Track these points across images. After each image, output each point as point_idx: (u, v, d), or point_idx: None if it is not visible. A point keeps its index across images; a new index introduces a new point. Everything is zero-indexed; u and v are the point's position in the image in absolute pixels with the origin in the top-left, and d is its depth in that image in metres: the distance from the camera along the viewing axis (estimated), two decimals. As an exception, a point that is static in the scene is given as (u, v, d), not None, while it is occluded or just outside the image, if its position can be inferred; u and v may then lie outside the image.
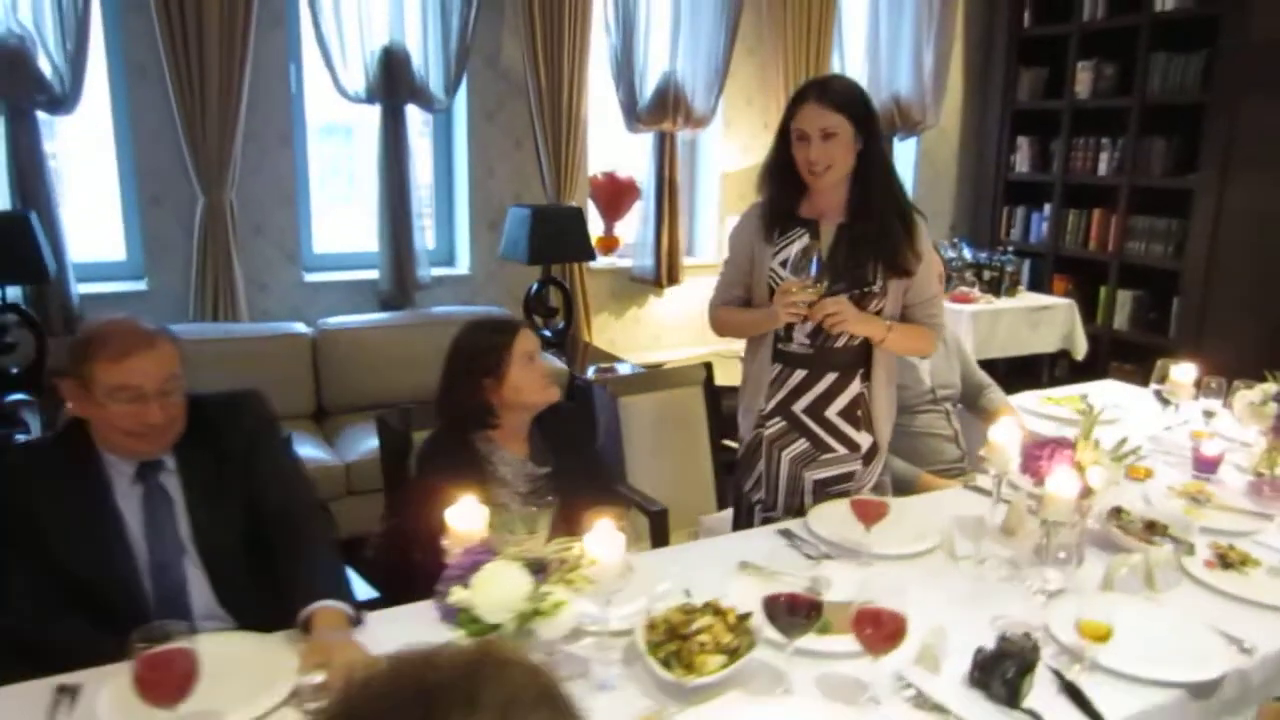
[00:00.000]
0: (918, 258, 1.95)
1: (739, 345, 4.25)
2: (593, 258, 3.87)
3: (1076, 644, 1.38)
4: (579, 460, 1.88)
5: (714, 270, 4.50)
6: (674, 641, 1.31)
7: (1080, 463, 1.70)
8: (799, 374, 2.04)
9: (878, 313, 1.97)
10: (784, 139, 1.93)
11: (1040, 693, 1.30)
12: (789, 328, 2.01)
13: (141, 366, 1.44)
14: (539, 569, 1.15)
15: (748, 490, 2.15)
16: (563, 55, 3.86)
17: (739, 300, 2.11)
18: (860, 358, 2.04)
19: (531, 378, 1.76)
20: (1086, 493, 1.68)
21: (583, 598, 1.19)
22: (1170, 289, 4.51)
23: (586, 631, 1.33)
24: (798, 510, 2.07)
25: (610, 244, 4.44)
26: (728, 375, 2.77)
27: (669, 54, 4.17)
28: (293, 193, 3.68)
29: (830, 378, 2.03)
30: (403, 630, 1.44)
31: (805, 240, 1.97)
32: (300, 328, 3.49)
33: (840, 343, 2.00)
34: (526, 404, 1.78)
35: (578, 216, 3.76)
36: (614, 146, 4.43)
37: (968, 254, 4.63)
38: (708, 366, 2.63)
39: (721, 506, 2.53)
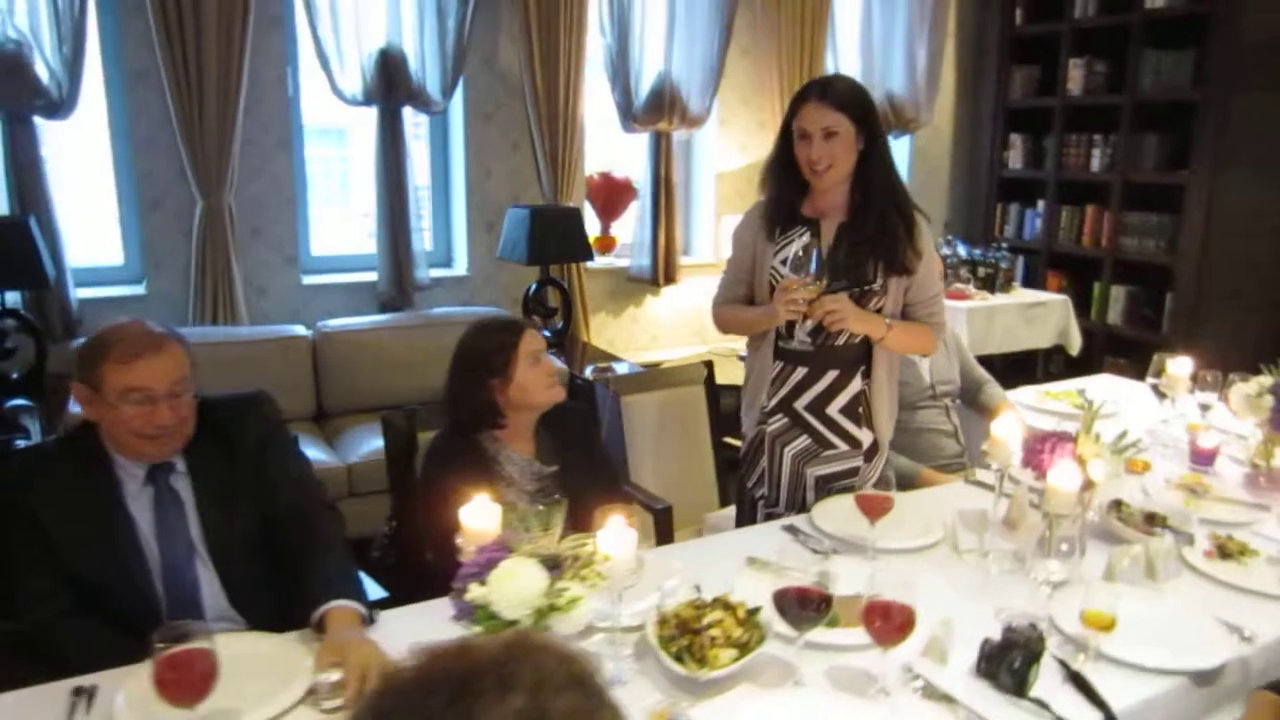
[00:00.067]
0: (918, 256, 1.97)
1: (737, 344, 4.31)
2: (591, 258, 3.89)
3: (1081, 634, 1.40)
4: (585, 459, 1.90)
5: (710, 270, 4.58)
6: (685, 636, 1.32)
7: (1081, 456, 1.72)
8: (800, 371, 2.06)
9: (878, 311, 1.99)
10: (786, 138, 1.95)
11: (1046, 682, 1.32)
12: (790, 326, 2.02)
13: (151, 368, 1.45)
14: (554, 565, 1.17)
15: (751, 487, 2.17)
16: (559, 56, 3.87)
17: (741, 298, 2.12)
18: (861, 355, 2.05)
19: (537, 377, 1.77)
20: (1088, 485, 1.70)
21: (596, 594, 1.21)
22: (1163, 284, 4.54)
23: (598, 628, 1.35)
24: (800, 506, 2.09)
25: (607, 244, 4.46)
26: (726, 374, 2.79)
27: (664, 54, 4.19)
28: (291, 195, 3.69)
29: (831, 375, 2.04)
30: (414, 628, 1.45)
31: (806, 239, 1.98)
32: (300, 330, 3.49)
33: (841, 340, 2.02)
34: (533, 403, 1.79)
35: (576, 217, 3.77)
36: (610, 147, 4.44)
37: (962, 251, 4.65)
38: (709, 365, 2.64)
39: (724, 504, 2.55)
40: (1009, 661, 1.31)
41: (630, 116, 4.17)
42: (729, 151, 4.63)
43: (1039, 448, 1.76)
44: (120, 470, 1.52)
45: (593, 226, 4.29)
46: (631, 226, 4.45)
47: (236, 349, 3.26)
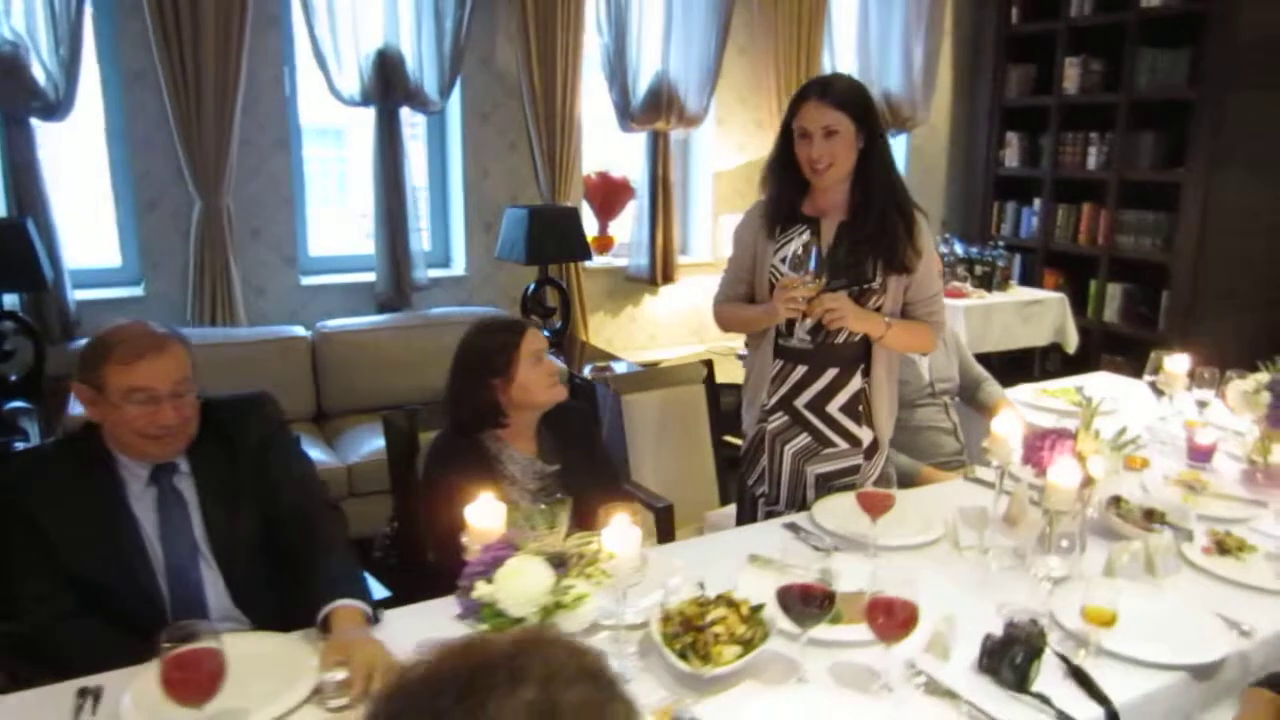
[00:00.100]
0: (918, 255, 1.98)
1: (735, 343, 4.32)
2: (589, 257, 3.89)
3: (1082, 629, 1.41)
4: (586, 458, 1.90)
5: (708, 269, 4.59)
6: (689, 633, 1.33)
7: (1081, 452, 1.73)
8: (800, 370, 2.06)
9: (877, 309, 2.00)
10: (786, 137, 1.96)
11: (1047, 677, 1.33)
12: (790, 324, 2.03)
13: (154, 368, 1.46)
14: (560, 563, 1.17)
15: (751, 485, 2.18)
16: (556, 56, 3.88)
17: (742, 297, 2.13)
18: (861, 354, 2.06)
19: (539, 377, 1.78)
20: (1088, 482, 1.71)
21: (601, 591, 1.21)
22: (1159, 282, 4.56)
23: (603, 625, 1.35)
24: (801, 504, 2.10)
25: (605, 243, 4.46)
26: (724, 373, 2.79)
27: (661, 54, 4.20)
28: (289, 196, 3.68)
29: (831, 373, 2.05)
30: (419, 627, 1.46)
31: (806, 237, 1.99)
32: (299, 330, 3.50)
33: (840, 339, 2.03)
34: (535, 403, 1.80)
35: (574, 216, 3.77)
36: (608, 146, 4.45)
37: (959, 249, 4.67)
38: (708, 364, 2.65)
39: (724, 502, 2.56)
40: (1011, 657, 1.32)
41: (628, 116, 4.18)
42: (726, 151, 4.64)
43: (1039, 444, 1.77)
44: (123, 471, 1.52)
45: (590, 226, 4.30)
46: (629, 226, 4.46)
47: (235, 350, 3.26)
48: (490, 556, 1.18)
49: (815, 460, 2.10)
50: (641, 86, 4.18)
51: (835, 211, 2.00)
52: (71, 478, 1.50)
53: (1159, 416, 2.50)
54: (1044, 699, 1.29)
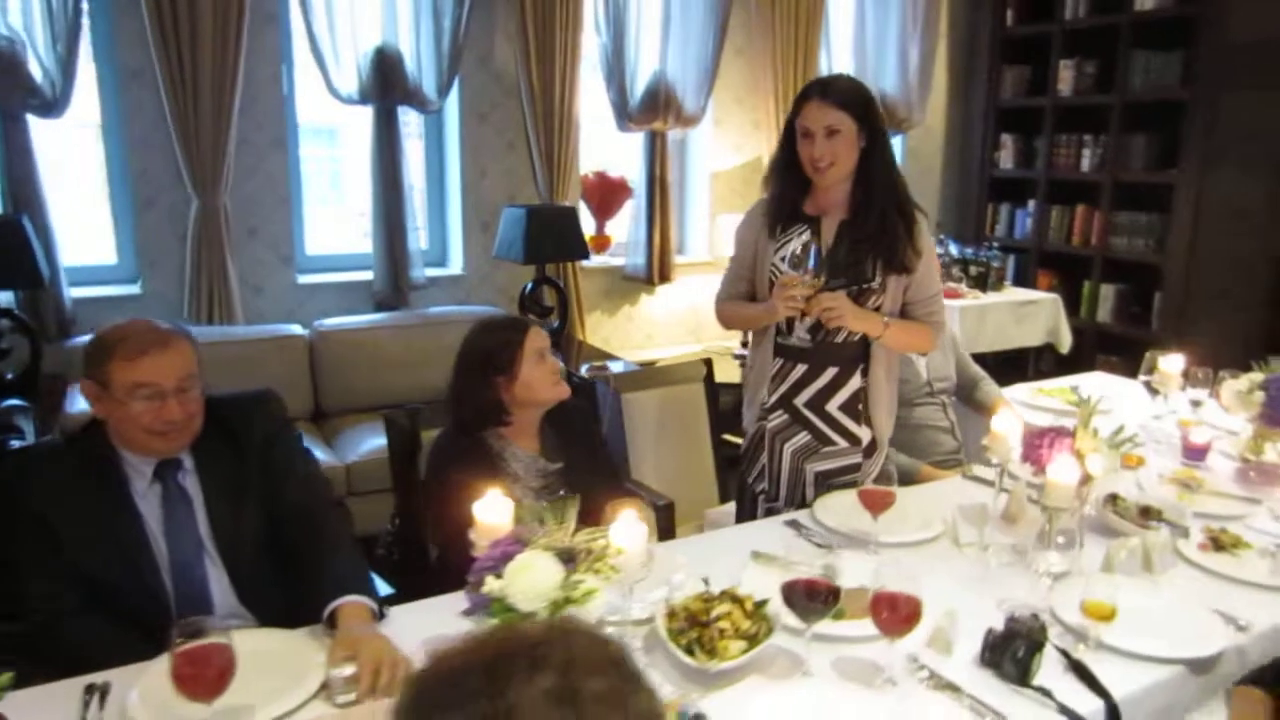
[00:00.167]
0: (917, 255, 1.99)
1: (731, 342, 4.33)
2: (587, 256, 3.89)
3: (1081, 624, 1.42)
4: (588, 455, 1.91)
5: (705, 269, 4.61)
6: (695, 629, 1.34)
7: (1080, 450, 1.75)
8: (800, 368, 2.08)
9: (876, 309, 2.01)
10: (789, 137, 1.97)
11: (1048, 671, 1.35)
12: (790, 322, 2.05)
13: (158, 364, 1.46)
14: (568, 559, 1.18)
15: (751, 482, 2.19)
16: (554, 56, 3.88)
17: (743, 295, 2.14)
18: (860, 353, 2.07)
19: (543, 375, 1.78)
20: (1086, 479, 1.73)
21: (608, 586, 1.22)
22: (1152, 282, 4.60)
23: (609, 621, 1.36)
24: (800, 502, 2.11)
25: (602, 243, 4.47)
26: (720, 372, 2.80)
27: (659, 54, 4.21)
28: (286, 195, 3.68)
29: (831, 372, 2.06)
30: (424, 624, 1.46)
31: (806, 236, 2.01)
32: (297, 329, 3.50)
33: (840, 338, 2.04)
34: (538, 401, 1.80)
35: (572, 216, 3.78)
36: (605, 146, 4.46)
37: (954, 250, 4.70)
38: (708, 363, 2.66)
39: (724, 500, 2.57)
40: (1012, 651, 1.33)
41: (625, 116, 4.19)
42: (723, 151, 4.65)
43: (1038, 443, 1.78)
44: (128, 468, 1.52)
45: (588, 226, 4.31)
46: (626, 226, 4.47)
47: (233, 349, 3.26)
48: (499, 552, 1.19)
49: (815, 458, 2.11)
50: (639, 86, 4.19)
51: (836, 211, 2.01)
52: (76, 475, 1.50)
53: (1154, 415, 2.53)
54: (1045, 692, 1.30)
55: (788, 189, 2.01)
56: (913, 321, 2.06)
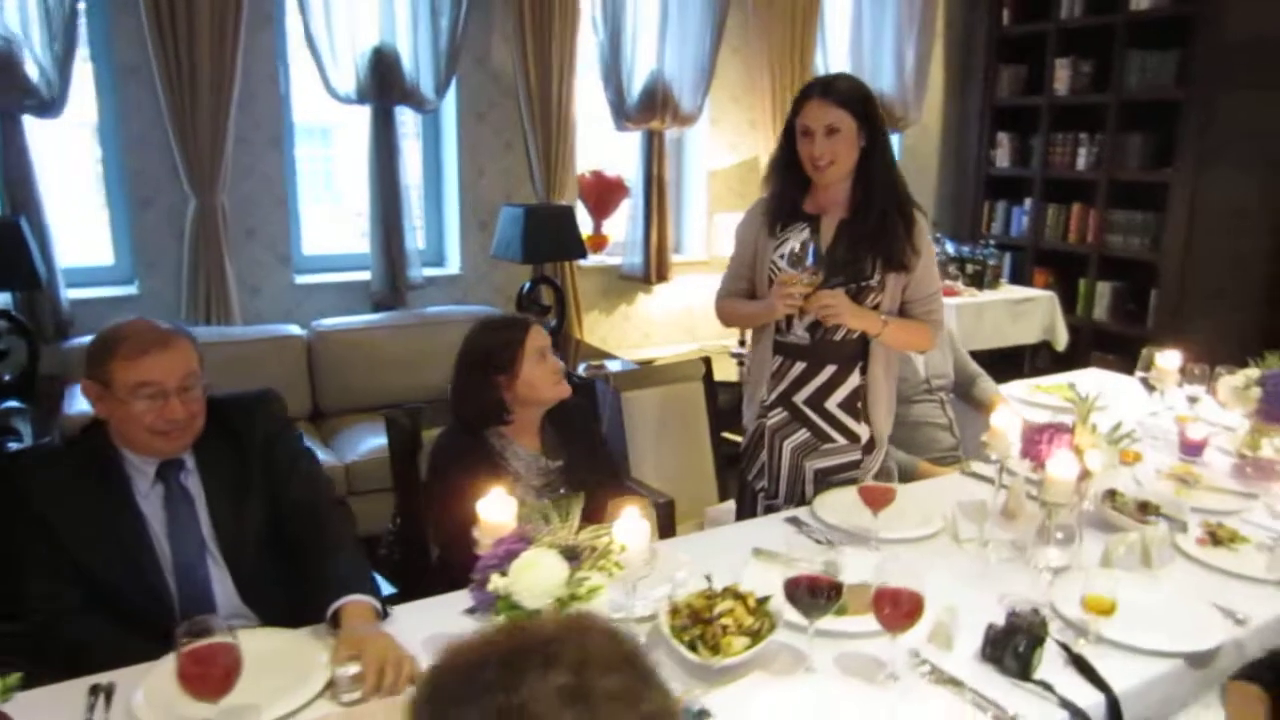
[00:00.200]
0: (916, 253, 2.00)
1: (728, 341, 4.34)
2: (584, 256, 3.90)
3: (1081, 618, 1.43)
4: (589, 454, 1.92)
5: (702, 268, 4.61)
6: (698, 625, 1.35)
7: (1079, 446, 1.76)
8: (799, 366, 2.08)
9: (875, 307, 2.02)
10: (789, 135, 1.98)
11: (1049, 665, 1.36)
12: (789, 320, 2.05)
13: (160, 363, 1.46)
14: (572, 556, 1.19)
15: (751, 479, 2.20)
16: (551, 55, 3.89)
17: (744, 292, 2.15)
18: (859, 351, 2.08)
19: (544, 373, 1.79)
20: (1085, 475, 1.74)
21: (612, 583, 1.23)
22: (1148, 280, 4.62)
23: (612, 618, 1.36)
24: (800, 499, 2.12)
25: (599, 242, 4.48)
26: (718, 370, 2.80)
27: (656, 53, 4.21)
28: (283, 195, 3.68)
29: (830, 370, 2.07)
30: (427, 622, 1.47)
31: (805, 234, 2.01)
32: (294, 329, 3.49)
33: (838, 336, 2.05)
34: (539, 399, 1.81)
35: (569, 215, 3.78)
36: (602, 145, 4.46)
37: (950, 248, 4.71)
38: (707, 361, 2.67)
39: (723, 498, 2.58)
40: (1014, 645, 1.34)
41: (623, 115, 4.19)
42: (720, 150, 4.66)
43: (1037, 438, 1.79)
44: (130, 468, 1.53)
45: (584, 225, 4.31)
46: (623, 225, 4.47)
47: (231, 349, 3.25)
48: (504, 550, 1.19)
49: (814, 455, 2.12)
50: (636, 86, 4.19)
51: (836, 209, 2.02)
52: (78, 476, 1.50)
53: (1150, 412, 2.54)
54: (1046, 686, 1.31)
55: (787, 187, 2.02)
56: (911, 320, 2.07)
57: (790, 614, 1.36)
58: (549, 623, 0.67)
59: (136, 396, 1.44)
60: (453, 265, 4.14)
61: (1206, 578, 1.68)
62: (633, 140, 4.33)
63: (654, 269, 4.40)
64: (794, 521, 1.90)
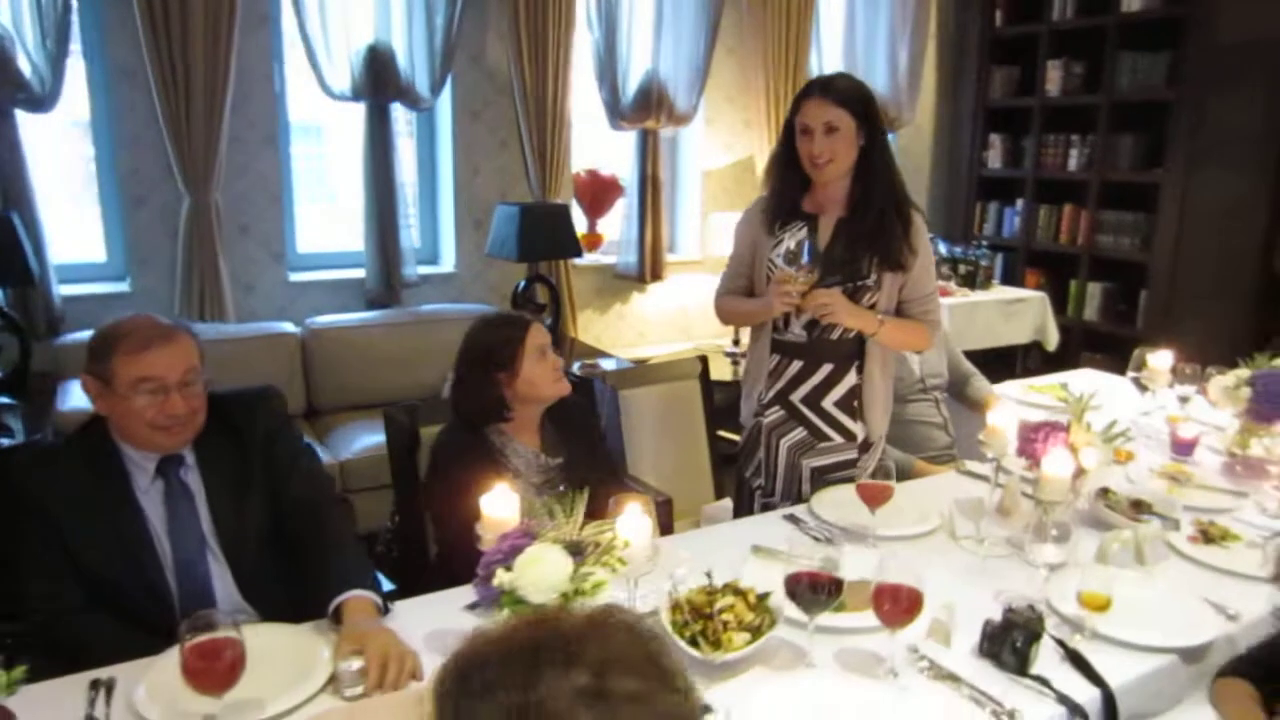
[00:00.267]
0: (913, 253, 2.01)
1: (723, 340, 4.35)
2: (580, 254, 3.91)
3: (1077, 614, 1.45)
4: (589, 451, 1.92)
5: (697, 267, 4.62)
6: (699, 621, 1.36)
7: (1074, 444, 1.78)
8: (796, 365, 2.10)
9: (871, 306, 2.03)
10: (789, 134, 1.99)
11: (1045, 660, 1.37)
12: (786, 318, 2.07)
13: (162, 359, 1.46)
14: (576, 552, 1.19)
15: (748, 477, 2.21)
16: (547, 54, 3.89)
17: (742, 290, 2.16)
18: (855, 350, 2.09)
19: (544, 371, 1.79)
20: (1079, 473, 1.76)
21: (614, 579, 1.24)
22: (1138, 281, 4.65)
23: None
24: (796, 497, 2.13)
25: (594, 241, 4.48)
26: (712, 369, 2.81)
27: (652, 52, 4.22)
28: (278, 192, 3.67)
29: (827, 369, 2.08)
30: (428, 618, 1.48)
31: (803, 233, 2.03)
32: (289, 327, 3.49)
33: (835, 335, 2.06)
34: (539, 397, 1.81)
35: (565, 214, 3.78)
36: (597, 144, 4.46)
37: (943, 249, 4.74)
38: (703, 360, 2.68)
39: (719, 496, 2.59)
40: (1011, 641, 1.36)
41: (618, 114, 4.20)
42: (715, 150, 4.67)
43: (1032, 437, 1.81)
44: (130, 464, 1.52)
45: (579, 224, 4.31)
46: (618, 224, 4.48)
47: (225, 347, 3.24)
48: (508, 545, 1.20)
49: (810, 454, 2.13)
50: (631, 85, 4.20)
51: (834, 208, 2.03)
52: (78, 472, 1.50)
53: (1142, 411, 2.56)
54: (1043, 681, 1.33)
55: (787, 186, 2.03)
56: (908, 320, 2.08)
57: (790, 610, 1.37)
58: (573, 617, 0.67)
59: (138, 392, 1.44)
60: (447, 263, 4.14)
61: (1199, 574, 1.70)
62: (628, 139, 4.34)
63: (648, 268, 4.40)
64: (791, 519, 1.91)
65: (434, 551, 1.93)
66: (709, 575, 1.45)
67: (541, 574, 1.12)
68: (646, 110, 4.22)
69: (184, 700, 1.17)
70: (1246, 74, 4.19)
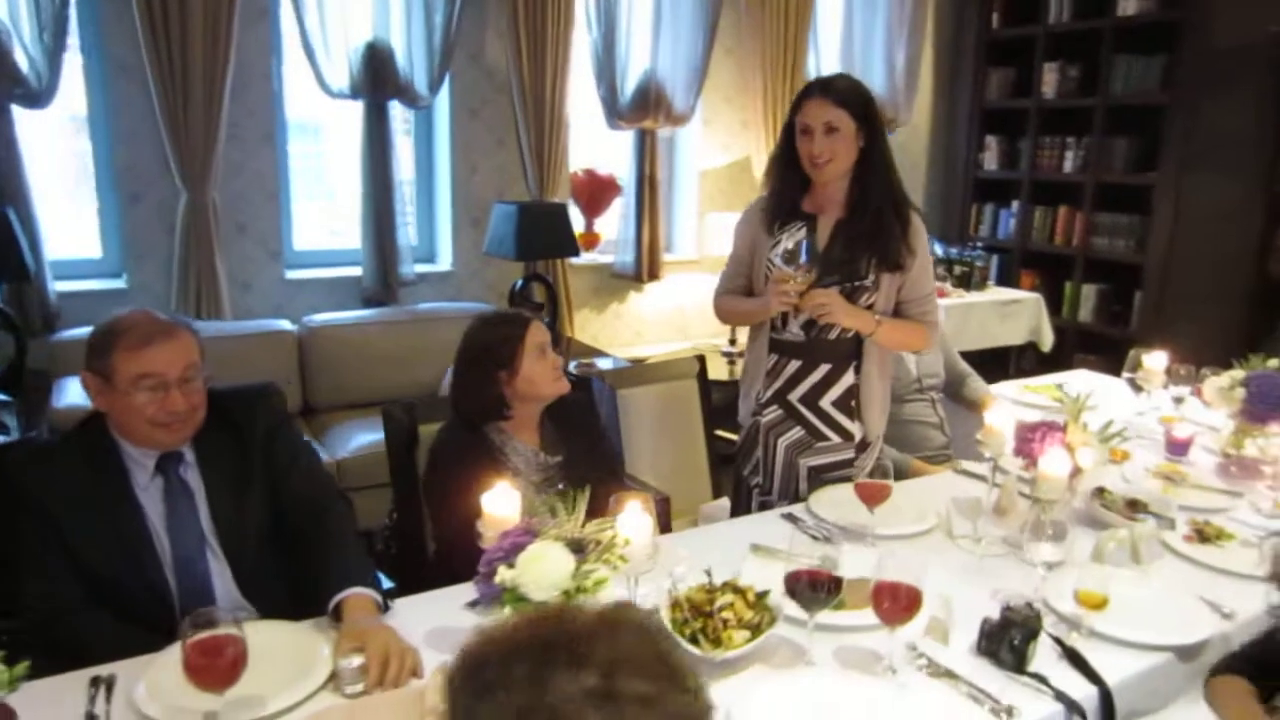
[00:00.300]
0: (911, 254, 2.02)
1: (719, 340, 4.36)
2: (577, 253, 3.91)
3: (1074, 613, 1.46)
4: (588, 449, 1.93)
5: (693, 267, 4.63)
6: (699, 619, 1.36)
7: (1070, 444, 1.79)
8: (794, 364, 2.11)
9: (869, 307, 2.04)
10: (789, 135, 2.00)
11: (1042, 658, 1.38)
12: (784, 318, 2.07)
13: (163, 355, 1.46)
14: (578, 549, 1.20)
15: (746, 475, 2.22)
16: (545, 53, 3.89)
17: (741, 290, 2.17)
18: (853, 350, 2.10)
19: (544, 369, 1.80)
20: (1076, 472, 1.77)
21: (615, 577, 1.24)
22: (1132, 282, 4.68)
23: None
24: (794, 496, 2.14)
25: (591, 240, 4.48)
26: (709, 369, 2.82)
27: (650, 52, 4.22)
28: (275, 190, 3.66)
29: (824, 368, 2.09)
30: (428, 616, 1.48)
31: (802, 233, 2.03)
32: (286, 325, 3.48)
33: (833, 334, 2.07)
34: (539, 395, 1.82)
35: (562, 213, 3.79)
36: (595, 144, 4.46)
37: (938, 249, 4.75)
38: (701, 359, 2.69)
39: (717, 495, 2.60)
40: (1009, 639, 1.36)
41: (616, 114, 4.20)
42: (712, 150, 4.68)
43: (1030, 436, 1.82)
44: (129, 461, 1.52)
45: (576, 223, 4.31)
46: (615, 223, 4.48)
47: (222, 344, 3.22)
48: (510, 543, 1.20)
49: (808, 453, 2.14)
50: (629, 85, 4.20)
51: (833, 208, 2.04)
52: (77, 469, 1.50)
53: (1137, 412, 2.58)
54: (1041, 679, 1.34)
55: (786, 186, 2.04)
56: (906, 320, 2.09)
57: (790, 608, 1.37)
58: (583, 615, 0.66)
59: (138, 388, 1.44)
60: (444, 262, 4.14)
61: (1194, 573, 1.71)
62: (625, 139, 4.34)
63: (645, 268, 4.41)
64: (789, 518, 1.92)
65: (432, 549, 1.93)
66: (708, 573, 1.45)
67: (544, 571, 1.13)
68: (644, 110, 4.23)
69: (185, 697, 1.17)
70: (1240, 78, 4.21)
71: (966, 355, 2.91)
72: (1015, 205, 5.18)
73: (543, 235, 3.62)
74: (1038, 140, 4.99)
